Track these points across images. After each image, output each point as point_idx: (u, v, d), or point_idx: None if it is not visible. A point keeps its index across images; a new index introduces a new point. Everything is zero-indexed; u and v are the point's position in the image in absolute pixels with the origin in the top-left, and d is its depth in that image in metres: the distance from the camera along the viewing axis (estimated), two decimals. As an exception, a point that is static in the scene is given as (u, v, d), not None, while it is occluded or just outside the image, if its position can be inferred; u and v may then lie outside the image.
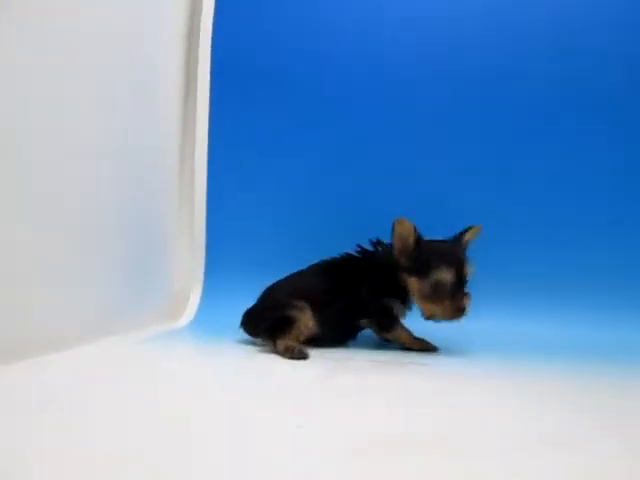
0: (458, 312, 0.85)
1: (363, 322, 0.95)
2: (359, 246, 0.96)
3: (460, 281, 0.86)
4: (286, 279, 0.99)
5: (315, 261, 1.00)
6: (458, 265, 0.86)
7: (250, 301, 1.01)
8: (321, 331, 0.91)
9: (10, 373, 0.65)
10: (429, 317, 0.89)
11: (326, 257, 0.99)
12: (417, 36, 1.33)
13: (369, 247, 0.96)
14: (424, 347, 0.92)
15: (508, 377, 0.75)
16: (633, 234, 1.21)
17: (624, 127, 1.23)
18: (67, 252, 0.84)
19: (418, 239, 0.88)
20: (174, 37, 1.29)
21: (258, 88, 1.38)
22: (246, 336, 1.00)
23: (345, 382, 0.70)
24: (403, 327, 0.93)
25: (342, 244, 0.98)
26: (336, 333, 0.95)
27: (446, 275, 0.85)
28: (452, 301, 0.85)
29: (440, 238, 0.91)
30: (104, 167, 0.95)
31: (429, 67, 1.32)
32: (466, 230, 0.91)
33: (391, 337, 0.95)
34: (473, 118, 1.30)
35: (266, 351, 0.90)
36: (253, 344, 0.96)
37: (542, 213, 1.26)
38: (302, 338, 0.89)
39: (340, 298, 0.92)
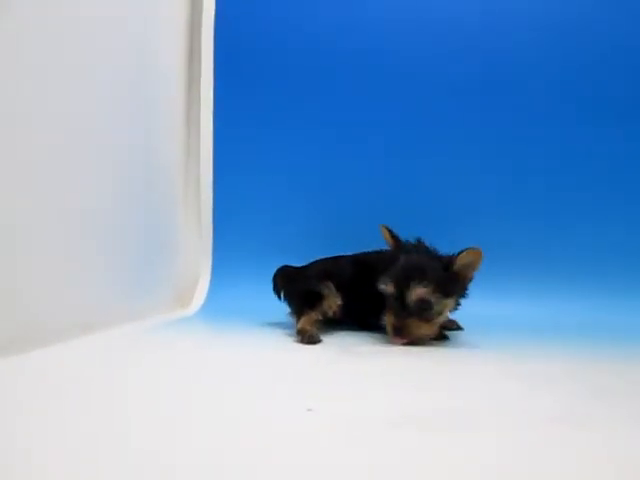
0: (392, 330, 0.81)
1: (372, 320, 0.91)
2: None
3: (403, 299, 0.80)
4: (325, 260, 1.00)
5: (324, 248, 1.01)
6: (400, 282, 0.81)
7: (259, 287, 1.01)
8: (343, 317, 0.93)
9: (20, 363, 0.65)
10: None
11: (345, 245, 1.00)
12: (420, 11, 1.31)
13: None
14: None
15: (501, 359, 0.75)
16: (632, 217, 1.21)
17: (630, 115, 1.23)
18: (72, 240, 0.83)
19: (397, 244, 0.88)
20: (177, 17, 1.27)
21: (265, 65, 1.36)
22: (255, 322, 1.01)
23: (351, 367, 0.70)
24: None
25: (355, 231, 0.98)
26: (357, 323, 0.97)
27: (384, 287, 0.82)
28: (391, 317, 0.82)
29: (432, 249, 0.87)
30: (109, 153, 0.94)
31: (436, 49, 1.30)
32: (460, 252, 0.81)
33: None
34: (478, 101, 1.28)
35: (274, 337, 0.90)
36: (261, 329, 0.96)
37: (541, 199, 1.25)
38: (330, 313, 0.91)
39: (361, 291, 0.92)
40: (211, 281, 1.30)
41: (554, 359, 0.75)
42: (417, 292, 0.80)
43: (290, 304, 0.96)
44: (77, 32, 0.83)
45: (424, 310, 0.81)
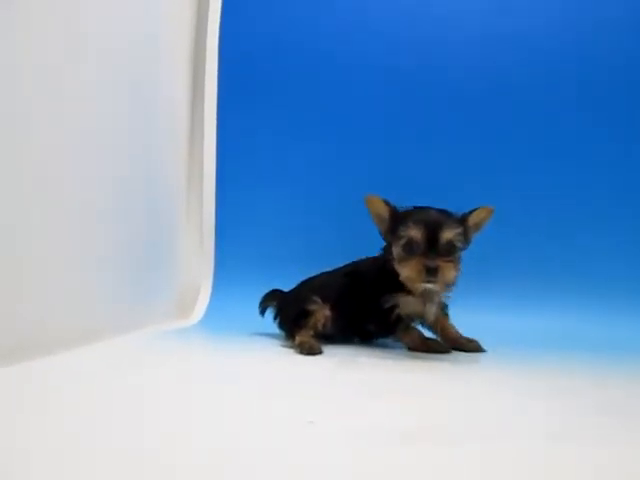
0: (428, 273, 0.78)
1: (369, 327, 0.93)
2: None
3: (434, 242, 0.79)
4: (314, 277, 1.00)
5: (326, 259, 1.00)
6: (429, 224, 0.80)
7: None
8: (334, 330, 0.92)
9: (22, 372, 0.65)
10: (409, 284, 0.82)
11: (347, 255, 0.99)
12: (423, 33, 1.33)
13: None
14: (432, 350, 0.86)
15: (510, 372, 0.75)
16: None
17: (623, 121, 1.24)
18: (74, 251, 0.84)
19: (392, 210, 0.85)
20: (181, 30, 1.29)
21: (267, 79, 1.38)
22: (256, 333, 1.01)
23: (352, 378, 0.70)
24: (409, 328, 0.87)
25: (356, 242, 0.97)
26: (348, 334, 0.96)
27: (413, 232, 0.79)
28: (421, 259, 0.79)
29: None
30: (110, 167, 0.94)
31: (431, 61, 1.33)
32: (473, 210, 0.85)
33: (397, 339, 0.89)
34: (480, 104, 1.30)
35: (276, 347, 0.90)
36: (263, 340, 0.96)
37: (547, 210, 1.26)
38: (320, 326, 0.90)
39: (353, 301, 0.91)
40: (212, 292, 1.31)
41: (555, 373, 0.75)
42: (449, 233, 0.80)
43: (284, 330, 0.96)
44: (78, 36, 0.83)
45: (452, 252, 0.81)
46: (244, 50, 1.39)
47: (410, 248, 0.81)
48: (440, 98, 1.32)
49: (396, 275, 0.84)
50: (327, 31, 1.36)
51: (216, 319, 1.19)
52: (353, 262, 0.98)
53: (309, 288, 0.97)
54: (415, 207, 0.85)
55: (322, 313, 0.91)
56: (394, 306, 0.85)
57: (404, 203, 0.86)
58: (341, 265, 0.99)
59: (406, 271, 0.81)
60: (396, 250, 0.83)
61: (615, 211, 1.23)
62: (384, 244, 0.89)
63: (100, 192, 0.91)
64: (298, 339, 0.87)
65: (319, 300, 0.92)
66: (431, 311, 0.87)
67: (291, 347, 0.88)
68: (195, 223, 1.35)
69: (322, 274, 1.00)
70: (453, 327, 0.90)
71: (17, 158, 0.71)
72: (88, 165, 0.87)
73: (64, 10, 0.79)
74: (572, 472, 0.39)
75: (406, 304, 0.86)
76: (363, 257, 0.97)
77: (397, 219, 0.84)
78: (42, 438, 0.43)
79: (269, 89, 1.38)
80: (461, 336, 0.90)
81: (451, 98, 1.31)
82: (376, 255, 0.93)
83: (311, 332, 0.89)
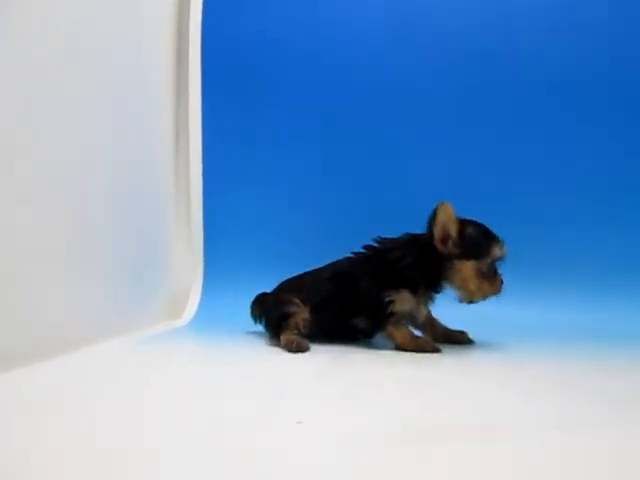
0: (502, 284, 0.86)
1: (356, 321, 0.91)
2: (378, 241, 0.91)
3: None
4: (296, 277, 1.00)
5: (314, 258, 1.00)
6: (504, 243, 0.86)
7: (250, 298, 1.02)
8: (315, 331, 0.91)
9: (13, 377, 0.65)
10: (475, 299, 0.85)
11: (334, 254, 0.97)
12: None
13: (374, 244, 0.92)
14: (422, 349, 0.84)
15: (507, 364, 0.76)
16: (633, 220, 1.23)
17: (623, 113, 1.26)
18: (63, 253, 0.84)
19: (461, 222, 0.84)
20: (164, 32, 1.29)
21: (251, 80, 1.39)
22: (247, 332, 1.02)
23: (343, 376, 0.71)
24: (400, 325, 0.86)
25: (344, 240, 0.97)
26: (330, 334, 0.94)
27: (499, 252, 0.84)
28: (498, 276, 0.86)
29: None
30: (99, 169, 0.94)
31: (426, 54, 1.34)
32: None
33: (386, 336, 0.88)
34: (477, 105, 1.31)
35: (266, 347, 0.91)
36: (254, 340, 0.97)
37: (545, 201, 1.27)
38: (302, 326, 0.90)
39: (337, 299, 0.91)
40: (202, 292, 1.31)
41: (553, 363, 0.76)
42: None
43: (268, 332, 0.97)
44: (66, 43, 0.84)
45: None
46: (229, 48, 1.38)
47: (493, 266, 0.85)
48: (439, 99, 1.32)
49: (403, 274, 0.85)
50: (324, 30, 1.37)
51: (207, 319, 1.20)
52: (334, 262, 0.97)
53: (288, 289, 0.97)
54: (465, 219, 0.86)
55: (301, 316, 0.91)
56: (390, 302, 0.85)
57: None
58: (321, 266, 0.98)
59: (490, 288, 0.85)
60: (481, 266, 0.84)
61: (612, 202, 1.24)
62: (394, 241, 0.89)
63: (88, 198, 0.90)
64: (284, 338, 0.87)
65: (298, 302, 0.92)
66: (423, 310, 0.89)
67: (278, 346, 0.88)
68: (184, 224, 1.34)
69: (302, 274, 0.99)
70: (439, 322, 0.92)
71: (16, 159, 0.71)
72: (83, 169, 0.87)
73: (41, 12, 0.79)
74: (574, 465, 0.39)
75: (404, 301, 0.86)
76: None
77: (469, 232, 0.85)
78: (42, 438, 0.44)
79: (264, 87, 1.38)
80: (450, 329, 0.92)
81: (451, 98, 1.32)
82: (363, 253, 0.93)
83: (295, 331, 0.89)
